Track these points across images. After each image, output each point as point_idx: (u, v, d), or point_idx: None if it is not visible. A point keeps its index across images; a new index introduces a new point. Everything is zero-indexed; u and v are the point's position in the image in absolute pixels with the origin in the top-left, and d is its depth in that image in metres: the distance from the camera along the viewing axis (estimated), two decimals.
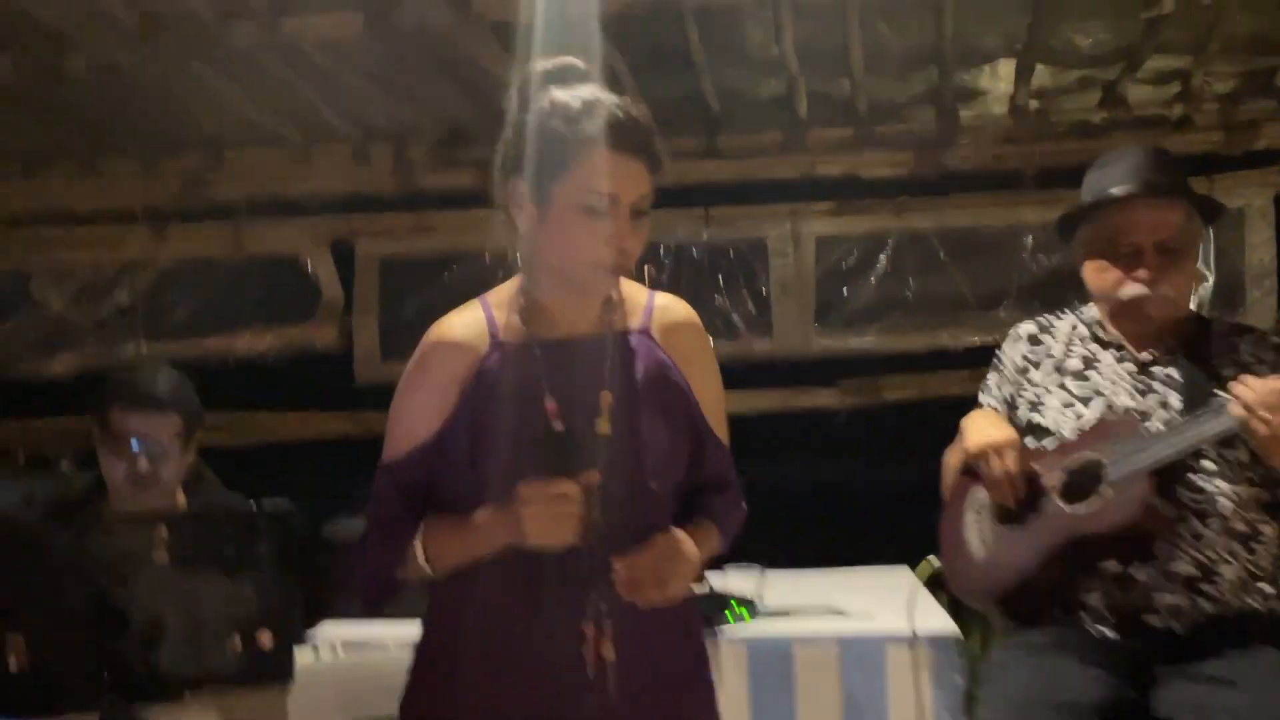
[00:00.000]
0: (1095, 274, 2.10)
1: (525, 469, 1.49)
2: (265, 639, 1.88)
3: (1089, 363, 2.11)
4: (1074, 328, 2.18)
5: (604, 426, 1.54)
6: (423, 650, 1.64)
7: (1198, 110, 4.31)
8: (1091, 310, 2.19)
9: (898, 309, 4.42)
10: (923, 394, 4.39)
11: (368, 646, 2.40)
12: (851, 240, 4.45)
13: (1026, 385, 2.16)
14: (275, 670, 1.75)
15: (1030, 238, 4.34)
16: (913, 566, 3.64)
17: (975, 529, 2.13)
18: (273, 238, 4.75)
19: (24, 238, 4.83)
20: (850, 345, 4.43)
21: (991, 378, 2.28)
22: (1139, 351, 2.07)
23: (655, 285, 4.47)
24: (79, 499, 2.32)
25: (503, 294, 1.65)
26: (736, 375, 4.38)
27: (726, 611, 2.49)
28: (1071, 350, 2.15)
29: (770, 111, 4.46)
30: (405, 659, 1.63)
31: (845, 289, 4.45)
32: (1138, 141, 4.27)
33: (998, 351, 2.29)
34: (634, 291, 1.67)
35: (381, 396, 4.62)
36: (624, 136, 1.50)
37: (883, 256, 4.42)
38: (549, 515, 1.45)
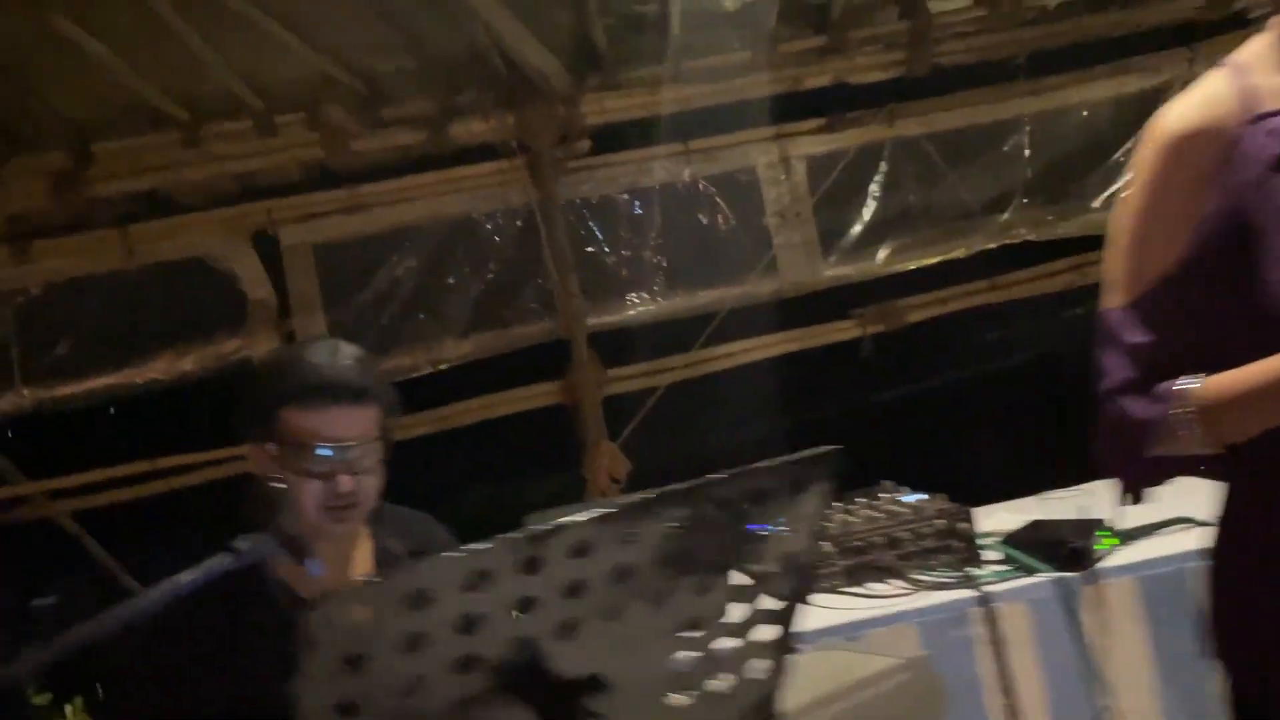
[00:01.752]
0: None
1: None
2: None
3: None
4: None
5: None
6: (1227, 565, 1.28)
7: None
8: None
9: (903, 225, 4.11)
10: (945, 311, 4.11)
11: None
12: (845, 157, 4.10)
13: None
14: None
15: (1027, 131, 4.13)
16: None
17: None
18: (173, 239, 3.92)
19: None
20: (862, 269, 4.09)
21: None
22: None
23: (642, 233, 3.93)
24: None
25: (1255, 49, 1.24)
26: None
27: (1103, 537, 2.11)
28: None
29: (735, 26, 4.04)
30: None
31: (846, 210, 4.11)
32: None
33: None
34: None
35: None
36: None
37: (880, 169, 4.09)
38: None
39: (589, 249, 4.03)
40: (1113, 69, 4.16)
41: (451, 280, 3.98)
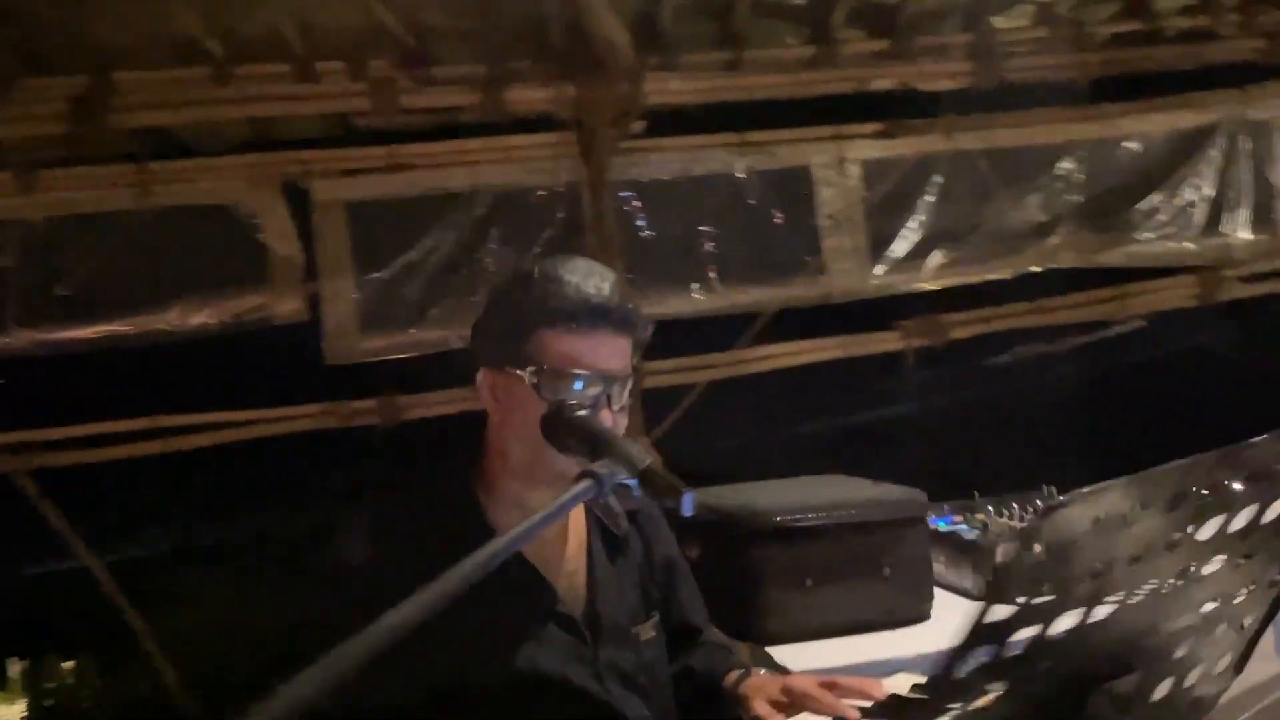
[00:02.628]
0: None
1: None
2: None
3: None
4: None
5: None
6: None
7: (1221, 20, 4.19)
8: None
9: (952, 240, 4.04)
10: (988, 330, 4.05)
11: None
12: (902, 164, 4.01)
13: None
14: None
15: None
16: None
17: None
18: (194, 182, 3.65)
19: None
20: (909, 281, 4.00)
21: None
22: None
23: (691, 223, 3.78)
24: None
25: None
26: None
27: None
28: None
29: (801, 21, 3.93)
30: None
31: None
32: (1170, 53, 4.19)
33: None
34: None
35: (360, 379, 3.76)
36: None
37: (934, 181, 4.01)
38: None
39: (635, 234, 3.86)
40: (1168, 103, 4.15)
41: (490, 254, 3.78)
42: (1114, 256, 4.12)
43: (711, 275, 3.87)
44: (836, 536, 1.88)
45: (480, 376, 1.56)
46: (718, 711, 1.68)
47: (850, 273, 3.95)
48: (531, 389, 1.47)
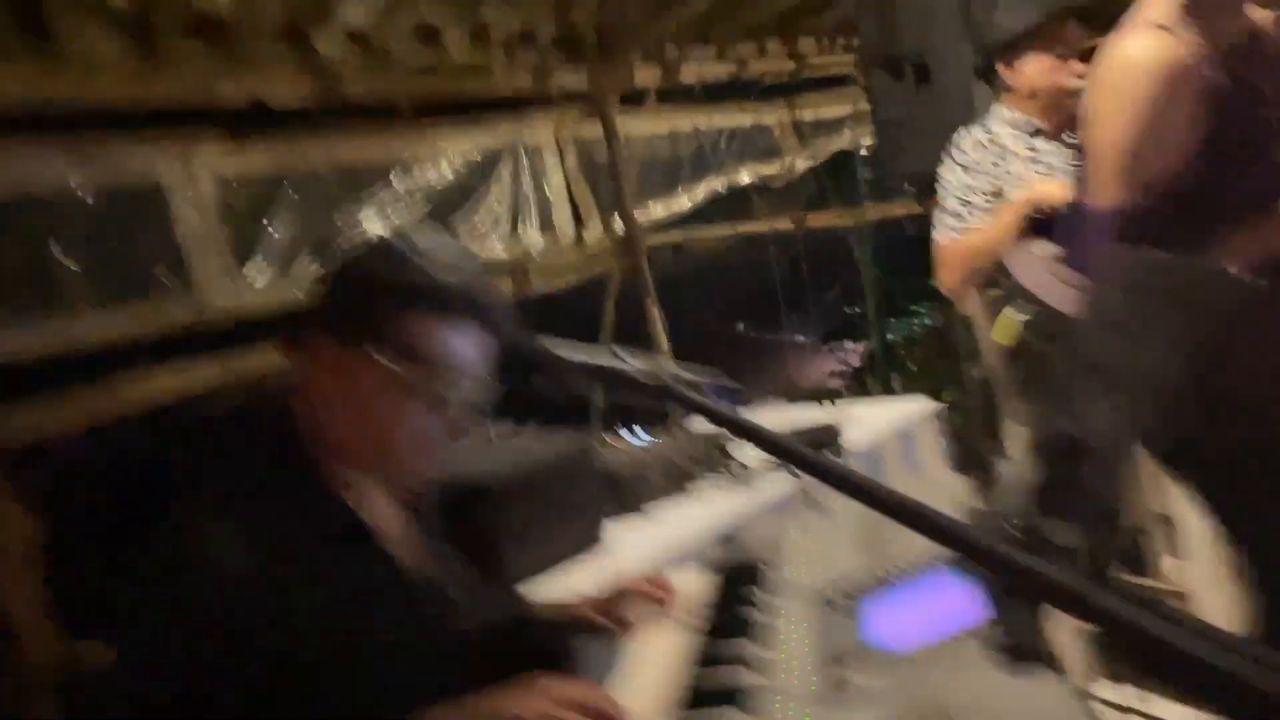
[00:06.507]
0: None
1: None
2: None
3: None
4: None
5: None
6: None
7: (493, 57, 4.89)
8: None
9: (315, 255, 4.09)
10: None
11: None
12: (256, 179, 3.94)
13: None
14: None
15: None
16: None
17: None
18: None
19: None
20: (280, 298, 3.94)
21: None
22: None
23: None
24: None
25: None
26: None
27: None
28: None
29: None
30: None
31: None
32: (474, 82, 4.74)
33: None
34: None
35: None
36: None
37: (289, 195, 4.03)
38: None
39: None
40: (468, 125, 4.74)
41: None
42: None
43: (73, 304, 3.39)
44: (526, 488, 2.00)
45: (315, 346, 1.39)
46: None
47: (222, 289, 3.78)
48: (397, 377, 1.38)
